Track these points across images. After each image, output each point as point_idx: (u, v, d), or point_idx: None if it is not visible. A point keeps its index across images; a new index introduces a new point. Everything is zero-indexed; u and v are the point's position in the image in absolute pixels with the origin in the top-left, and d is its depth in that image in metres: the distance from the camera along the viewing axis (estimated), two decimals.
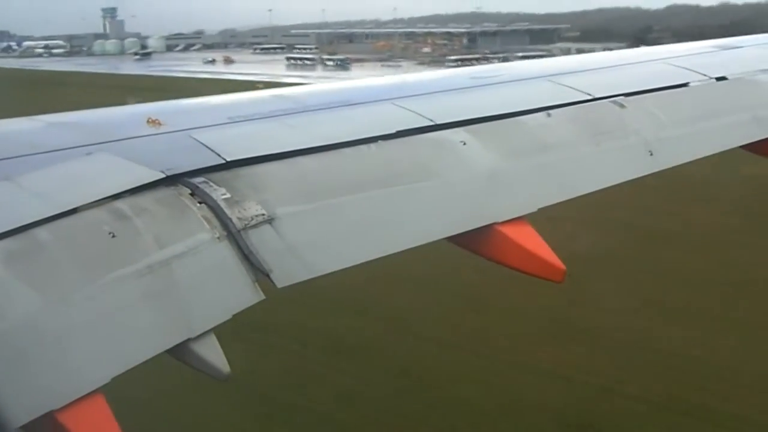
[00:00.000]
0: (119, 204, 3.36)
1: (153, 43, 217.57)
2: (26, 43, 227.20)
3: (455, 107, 4.94)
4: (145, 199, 3.44)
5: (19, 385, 2.73)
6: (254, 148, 3.96)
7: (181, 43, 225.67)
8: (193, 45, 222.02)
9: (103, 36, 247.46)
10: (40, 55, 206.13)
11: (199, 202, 3.52)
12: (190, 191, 3.56)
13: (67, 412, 2.74)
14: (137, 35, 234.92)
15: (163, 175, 3.56)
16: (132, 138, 4.02)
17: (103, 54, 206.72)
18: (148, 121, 4.19)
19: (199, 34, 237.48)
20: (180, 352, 3.11)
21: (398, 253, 3.84)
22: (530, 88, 5.60)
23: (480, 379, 17.51)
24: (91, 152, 3.77)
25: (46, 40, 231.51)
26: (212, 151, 3.86)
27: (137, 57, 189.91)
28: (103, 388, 2.86)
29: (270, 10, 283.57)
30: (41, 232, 3.09)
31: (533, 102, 5.14)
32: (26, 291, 2.88)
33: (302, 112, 4.66)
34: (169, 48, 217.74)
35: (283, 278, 3.41)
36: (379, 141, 4.36)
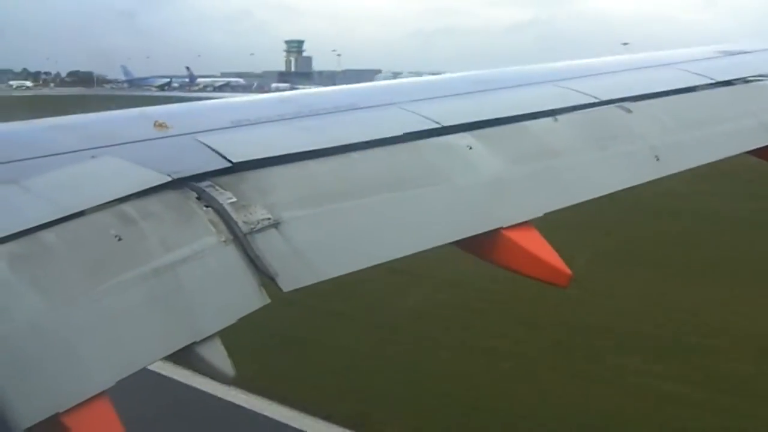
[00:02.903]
0: (125, 207, 3.36)
1: None
2: (201, 80, 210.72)
3: (462, 111, 4.92)
4: (152, 203, 3.43)
5: (24, 388, 2.73)
6: (261, 151, 3.95)
7: None
8: None
9: (287, 74, 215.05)
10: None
11: (206, 206, 3.51)
12: (196, 195, 3.55)
13: (72, 414, 2.74)
14: (377, 71, 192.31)
15: (170, 179, 3.55)
16: (138, 141, 4.01)
17: None
18: (154, 125, 4.19)
19: None
20: (185, 355, 3.10)
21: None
22: (536, 92, 5.58)
23: None
24: (97, 155, 3.75)
25: (207, 77, 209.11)
26: (219, 154, 3.85)
27: None
28: (108, 391, 2.85)
29: None
30: (47, 235, 3.09)
31: (539, 106, 5.13)
32: (32, 294, 2.88)
33: (308, 115, 4.65)
34: None
35: (289, 282, 3.40)
36: (386, 145, 4.35)
